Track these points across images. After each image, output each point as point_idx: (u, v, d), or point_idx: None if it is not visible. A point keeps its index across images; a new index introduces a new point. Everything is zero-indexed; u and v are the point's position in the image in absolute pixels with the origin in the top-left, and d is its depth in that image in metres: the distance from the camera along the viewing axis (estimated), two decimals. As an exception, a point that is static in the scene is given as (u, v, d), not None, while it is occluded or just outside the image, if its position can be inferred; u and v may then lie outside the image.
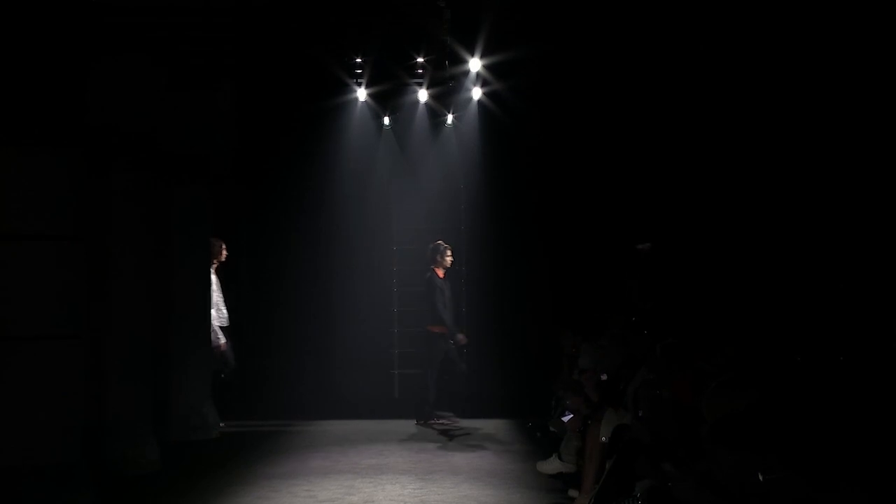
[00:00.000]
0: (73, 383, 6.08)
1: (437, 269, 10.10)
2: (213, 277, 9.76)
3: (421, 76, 10.65)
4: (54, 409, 5.87)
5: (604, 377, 6.68)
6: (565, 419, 7.27)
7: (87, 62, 6.58)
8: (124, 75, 7.64)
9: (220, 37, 8.34)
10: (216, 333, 9.69)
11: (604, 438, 5.69)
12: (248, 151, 11.24)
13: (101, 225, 7.44)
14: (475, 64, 10.21)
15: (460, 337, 10.15)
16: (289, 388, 11.03)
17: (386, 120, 11.66)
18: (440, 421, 9.91)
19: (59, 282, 6.01)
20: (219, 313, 9.81)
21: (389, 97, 11.26)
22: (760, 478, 3.17)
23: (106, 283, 7.55)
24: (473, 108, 11.33)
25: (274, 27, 8.19)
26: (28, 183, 5.94)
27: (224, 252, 10.01)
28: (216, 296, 9.77)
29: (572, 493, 6.47)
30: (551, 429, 8.00)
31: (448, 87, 10.90)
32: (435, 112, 11.52)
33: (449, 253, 10.17)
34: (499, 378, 11.06)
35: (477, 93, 11.03)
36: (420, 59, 10.18)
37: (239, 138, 11.11)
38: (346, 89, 10.89)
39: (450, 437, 9.24)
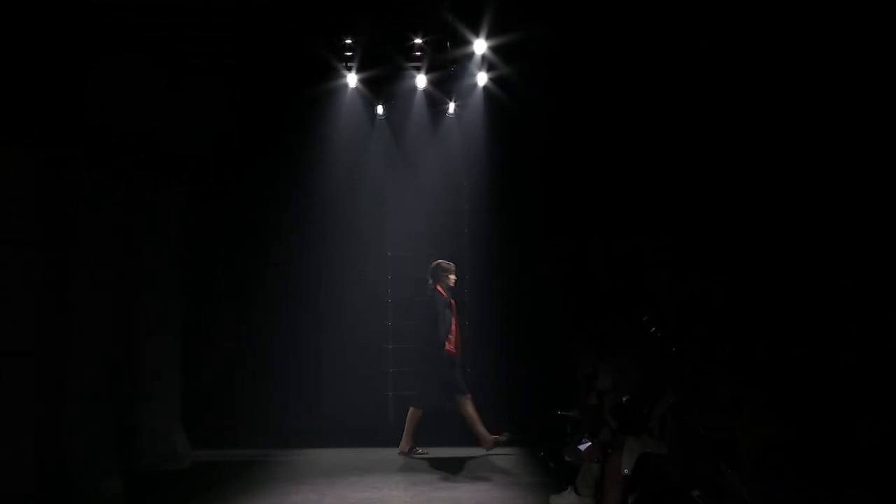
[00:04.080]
0: (27, 406, 6.08)
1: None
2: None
3: (419, 59, 10.65)
4: (4, 436, 5.88)
5: (625, 400, 6.68)
6: (582, 447, 7.27)
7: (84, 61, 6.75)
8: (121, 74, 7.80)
9: (220, 36, 8.70)
10: None
11: (626, 469, 5.69)
12: (226, 146, 11.25)
13: (62, 229, 7.48)
14: (480, 46, 10.21)
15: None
16: (270, 413, 11.02)
17: (379, 109, 11.66)
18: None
19: (17, 292, 6.03)
20: None
21: (384, 83, 11.26)
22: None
23: (66, 293, 7.56)
24: (478, 95, 11.31)
25: (269, 23, 8.45)
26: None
27: None
28: None
29: (590, 530, 6.48)
30: (566, 458, 8.00)
31: (450, 71, 10.90)
32: (435, 100, 11.52)
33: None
34: (506, 401, 11.05)
35: (482, 78, 11.02)
36: (418, 41, 10.20)
37: (218, 132, 11.13)
38: (335, 74, 10.88)
39: (452, 468, 9.24)
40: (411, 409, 10.18)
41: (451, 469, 9.18)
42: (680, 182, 9.70)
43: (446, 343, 9.93)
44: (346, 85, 11.13)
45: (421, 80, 11.07)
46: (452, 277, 10.19)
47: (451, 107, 11.65)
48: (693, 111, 9.22)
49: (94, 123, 7.45)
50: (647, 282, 10.53)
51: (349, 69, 10.81)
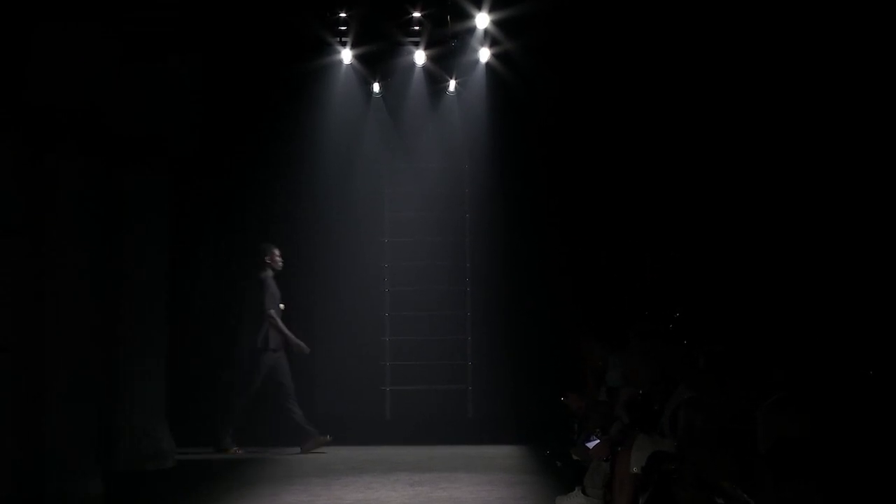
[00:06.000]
0: (3, 404, 6.09)
1: None
2: None
3: (418, 34, 10.63)
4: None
5: (637, 394, 6.68)
6: (590, 445, 7.27)
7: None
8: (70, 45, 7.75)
9: (205, 12, 8.67)
10: None
11: (636, 468, 5.69)
12: (210, 127, 11.22)
13: (37, 217, 7.48)
14: (482, 20, 10.19)
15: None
16: (260, 409, 11.03)
17: (376, 87, 11.63)
18: None
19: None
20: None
21: (380, 59, 11.23)
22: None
23: (44, 285, 7.56)
24: (480, 72, 11.31)
25: None
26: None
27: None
28: None
29: (599, 533, 6.49)
30: (573, 457, 7.99)
31: (450, 47, 10.88)
32: (434, 77, 11.50)
33: None
34: (510, 396, 11.07)
35: (484, 54, 11.01)
36: (417, 14, 10.17)
37: (201, 112, 11.11)
38: (328, 50, 10.85)
39: (453, 467, 9.26)
40: None
41: (452, 468, 9.19)
42: (693, 167, 9.69)
43: None
44: (339, 61, 11.10)
45: (420, 56, 11.05)
46: None
47: (452, 84, 11.62)
48: (711, 90, 9.20)
49: (71, 107, 7.46)
50: (656, 270, 10.53)
51: (343, 44, 10.78)
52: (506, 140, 11.37)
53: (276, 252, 10.24)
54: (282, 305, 10.21)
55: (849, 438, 3.45)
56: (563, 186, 11.20)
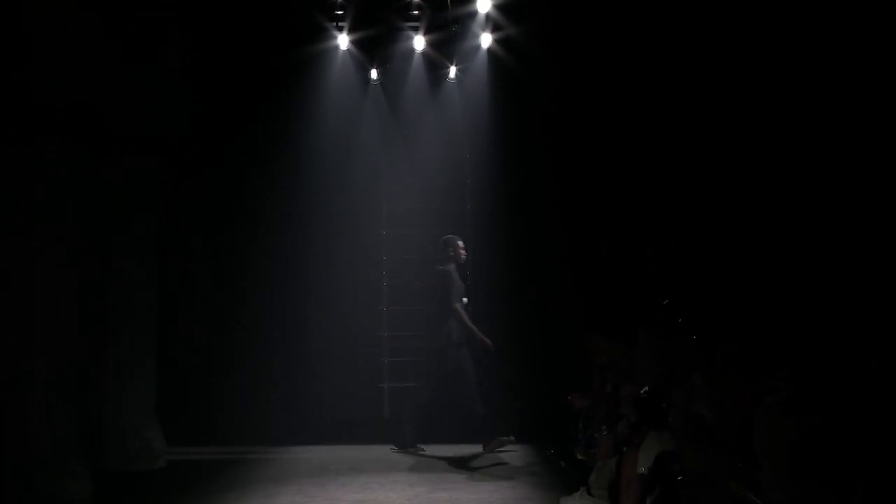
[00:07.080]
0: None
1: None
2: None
3: (417, 19, 10.59)
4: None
5: (643, 392, 6.66)
6: (595, 444, 7.25)
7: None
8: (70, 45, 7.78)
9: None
10: None
11: (643, 468, 5.67)
12: (205, 119, 11.18)
13: (22, 212, 7.48)
14: (484, 4, 10.14)
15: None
16: (253, 407, 11.03)
17: (373, 73, 11.59)
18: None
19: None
20: None
21: (378, 45, 11.19)
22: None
23: (27, 279, 7.55)
24: (482, 58, 11.27)
25: None
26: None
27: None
28: None
29: (604, 535, 6.47)
30: (578, 456, 8.00)
31: (450, 32, 10.84)
32: (434, 64, 11.46)
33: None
34: (512, 394, 11.04)
35: (486, 40, 10.97)
36: (416, -2, 10.15)
37: (199, 110, 11.06)
38: (324, 35, 10.81)
39: (453, 467, 9.24)
40: None
41: (452, 468, 9.18)
42: (696, 156, 9.65)
43: None
44: (336, 47, 11.06)
45: (419, 42, 11.01)
46: None
47: (452, 71, 11.58)
48: (715, 78, 9.16)
49: (71, 107, 7.51)
50: (657, 260, 10.50)
51: (340, 29, 10.74)
52: (508, 128, 11.33)
53: (460, 244, 10.21)
54: (465, 299, 10.15)
55: (860, 437, 3.43)
56: (566, 175, 11.16)
